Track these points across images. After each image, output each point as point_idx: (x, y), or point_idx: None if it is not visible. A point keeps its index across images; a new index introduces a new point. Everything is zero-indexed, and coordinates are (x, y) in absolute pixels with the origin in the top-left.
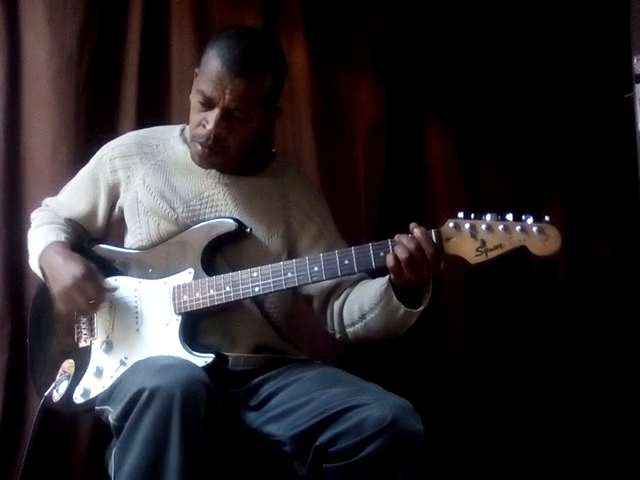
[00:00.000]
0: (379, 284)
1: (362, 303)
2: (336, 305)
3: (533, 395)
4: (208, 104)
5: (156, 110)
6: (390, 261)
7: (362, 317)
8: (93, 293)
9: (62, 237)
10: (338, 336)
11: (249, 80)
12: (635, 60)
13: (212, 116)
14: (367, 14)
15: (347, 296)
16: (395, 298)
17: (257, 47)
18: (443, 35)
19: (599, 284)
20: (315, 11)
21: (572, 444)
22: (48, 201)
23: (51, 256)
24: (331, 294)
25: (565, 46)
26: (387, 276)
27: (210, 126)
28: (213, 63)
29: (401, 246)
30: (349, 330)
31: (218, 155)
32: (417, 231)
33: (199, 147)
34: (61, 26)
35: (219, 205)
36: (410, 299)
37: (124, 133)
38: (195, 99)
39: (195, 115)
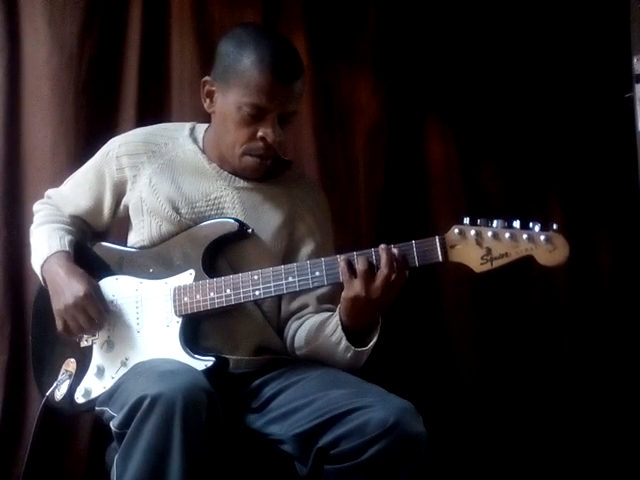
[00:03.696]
0: (329, 316)
1: (311, 330)
2: (293, 325)
3: (534, 398)
4: (260, 115)
5: (156, 110)
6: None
7: (307, 343)
8: (95, 314)
9: (66, 241)
10: (289, 351)
11: (298, 81)
12: (635, 60)
13: (270, 126)
14: (367, 14)
15: (305, 321)
16: (344, 338)
17: (288, 45)
18: (443, 35)
19: (599, 287)
20: (315, 11)
21: (572, 447)
22: (51, 193)
23: (54, 269)
24: (293, 313)
25: (565, 46)
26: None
27: (271, 137)
28: (257, 72)
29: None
30: (297, 352)
31: (270, 161)
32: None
33: (258, 160)
34: (61, 26)
35: (226, 208)
36: (359, 339)
37: (124, 133)
38: (242, 112)
39: (243, 129)
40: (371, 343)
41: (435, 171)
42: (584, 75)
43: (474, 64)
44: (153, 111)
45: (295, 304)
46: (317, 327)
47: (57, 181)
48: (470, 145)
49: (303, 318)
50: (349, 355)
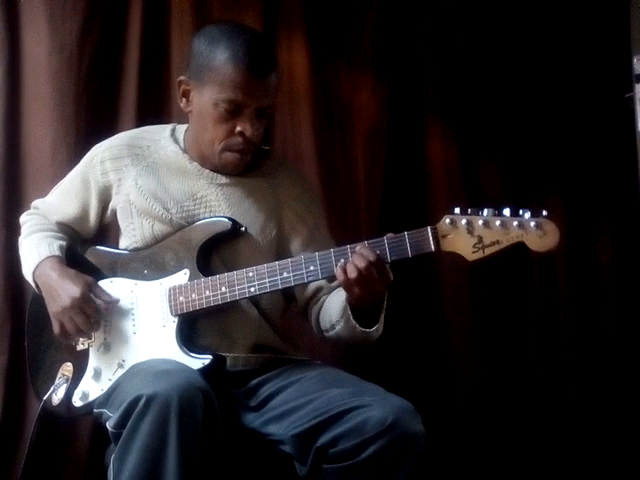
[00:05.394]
0: (343, 299)
1: (331, 315)
2: (314, 310)
3: (533, 395)
4: (237, 110)
5: (156, 110)
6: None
7: (332, 327)
8: (92, 313)
9: (55, 247)
10: (319, 336)
11: (272, 74)
12: (635, 60)
13: (248, 121)
14: (367, 14)
15: (323, 303)
16: (351, 318)
17: (262, 40)
18: (443, 35)
19: (599, 284)
20: (315, 11)
21: (571, 444)
22: (37, 203)
23: (46, 274)
24: (310, 299)
25: (565, 46)
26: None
27: (249, 132)
28: (232, 68)
29: (351, 265)
30: (326, 335)
31: (249, 156)
32: (363, 250)
33: (238, 155)
34: (61, 25)
35: (213, 206)
36: (369, 316)
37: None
38: (219, 109)
39: (221, 125)
40: (380, 320)
41: (435, 171)
42: (584, 75)
43: (474, 64)
44: (153, 111)
45: (309, 290)
46: (339, 311)
47: (57, 181)
48: (470, 145)
49: (321, 300)
50: (366, 336)
